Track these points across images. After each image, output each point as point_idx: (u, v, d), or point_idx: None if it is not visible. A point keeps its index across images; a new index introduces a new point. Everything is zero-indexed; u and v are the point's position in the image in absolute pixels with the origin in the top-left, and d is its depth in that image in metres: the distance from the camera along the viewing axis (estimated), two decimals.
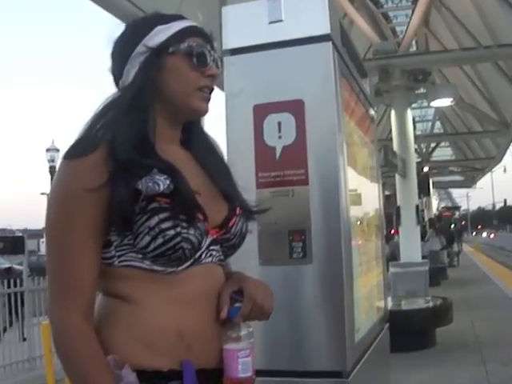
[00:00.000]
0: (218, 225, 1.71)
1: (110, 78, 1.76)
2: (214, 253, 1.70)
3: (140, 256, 1.57)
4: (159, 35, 1.67)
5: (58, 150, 28.02)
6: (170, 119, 1.72)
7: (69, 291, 1.54)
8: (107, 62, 1.75)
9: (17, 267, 15.35)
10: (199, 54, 1.69)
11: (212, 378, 1.62)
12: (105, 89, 1.77)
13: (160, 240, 1.53)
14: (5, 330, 9.10)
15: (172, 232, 1.54)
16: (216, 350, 1.63)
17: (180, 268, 1.60)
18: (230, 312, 1.65)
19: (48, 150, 28.55)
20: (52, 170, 27.75)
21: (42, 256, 34.59)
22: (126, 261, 1.58)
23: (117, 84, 1.73)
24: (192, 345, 1.59)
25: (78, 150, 1.55)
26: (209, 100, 1.75)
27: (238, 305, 1.66)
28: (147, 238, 1.54)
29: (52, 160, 28.18)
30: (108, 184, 1.51)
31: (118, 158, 1.53)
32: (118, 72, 1.72)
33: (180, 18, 1.74)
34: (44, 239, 1.58)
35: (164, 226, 1.53)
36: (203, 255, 1.65)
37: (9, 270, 15.57)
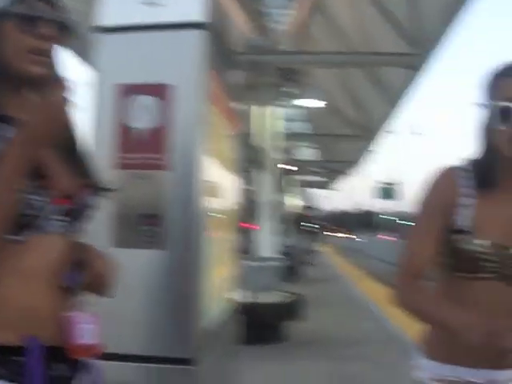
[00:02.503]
0: (65, 195, 1.68)
1: None
2: (60, 223, 1.66)
3: None
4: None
5: None
6: (14, 87, 1.67)
7: None
8: None
9: None
10: (29, 15, 1.63)
11: (60, 355, 1.59)
12: None
13: None
14: None
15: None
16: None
17: (23, 236, 1.56)
18: (68, 280, 1.62)
19: None
20: None
21: None
22: None
23: None
24: (37, 320, 1.55)
25: None
26: (43, 62, 1.67)
27: (76, 273, 1.64)
28: None
29: None
30: None
31: None
32: None
33: None
34: None
35: None
36: (48, 224, 1.62)
37: None
